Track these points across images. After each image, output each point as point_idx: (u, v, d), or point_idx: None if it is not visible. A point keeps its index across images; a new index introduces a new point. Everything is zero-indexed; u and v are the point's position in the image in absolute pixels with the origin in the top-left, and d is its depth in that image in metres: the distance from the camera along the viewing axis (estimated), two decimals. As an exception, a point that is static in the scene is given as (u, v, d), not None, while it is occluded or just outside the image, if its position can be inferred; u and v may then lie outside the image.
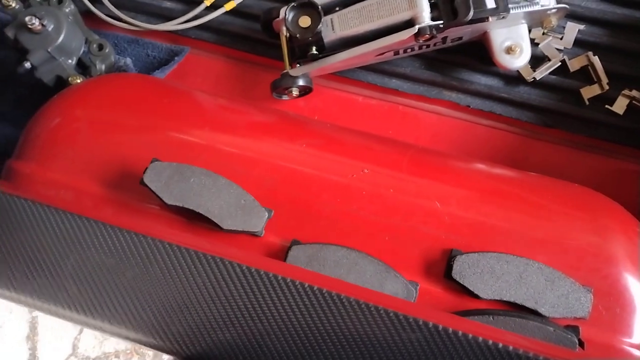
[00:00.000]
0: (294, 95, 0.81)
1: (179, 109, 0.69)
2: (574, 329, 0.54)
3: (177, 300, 0.42)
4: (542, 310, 0.55)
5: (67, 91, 0.74)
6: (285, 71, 0.78)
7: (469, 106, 0.80)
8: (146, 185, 0.59)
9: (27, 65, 0.79)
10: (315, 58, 0.77)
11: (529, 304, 0.55)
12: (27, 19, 0.75)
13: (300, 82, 0.77)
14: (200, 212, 0.59)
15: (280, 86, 0.78)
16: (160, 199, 0.59)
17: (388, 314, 0.40)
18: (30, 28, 0.77)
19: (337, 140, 0.69)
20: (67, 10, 0.81)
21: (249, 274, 0.42)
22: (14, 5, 0.80)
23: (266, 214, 0.60)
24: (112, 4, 0.88)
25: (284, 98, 0.82)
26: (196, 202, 0.59)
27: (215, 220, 0.59)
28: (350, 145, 0.69)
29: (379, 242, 0.60)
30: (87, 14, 0.87)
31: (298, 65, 0.78)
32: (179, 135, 0.66)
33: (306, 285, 0.41)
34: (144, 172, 0.59)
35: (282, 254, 0.59)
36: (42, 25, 0.77)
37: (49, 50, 0.78)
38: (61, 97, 0.72)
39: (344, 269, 0.57)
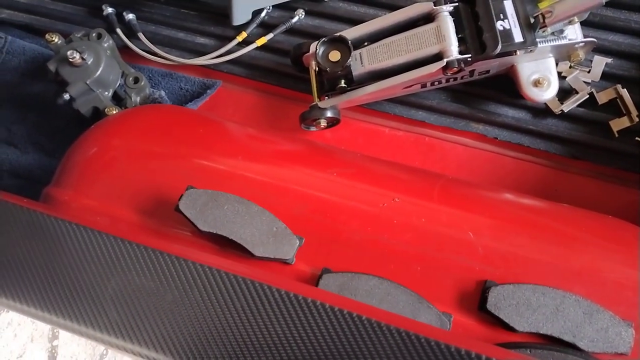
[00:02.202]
0: (322, 126, 0.82)
1: (213, 138, 0.71)
2: (617, 365, 0.53)
3: (216, 325, 0.42)
4: (580, 345, 0.54)
5: (104, 122, 0.76)
6: (314, 103, 0.80)
7: (497, 138, 0.80)
8: (181, 212, 0.60)
9: (66, 96, 0.82)
10: (343, 91, 0.78)
11: (567, 338, 0.54)
12: (69, 52, 0.79)
13: (329, 114, 0.79)
14: (233, 238, 0.59)
15: (309, 117, 0.80)
16: (195, 226, 0.59)
17: (429, 343, 0.39)
18: (71, 61, 0.80)
19: (367, 170, 0.70)
20: (105, 45, 0.85)
21: (287, 298, 0.42)
22: (56, 40, 0.84)
23: (297, 241, 0.60)
24: (148, 40, 0.92)
25: (311, 129, 0.84)
26: (229, 228, 0.59)
27: (248, 247, 0.59)
28: (380, 174, 0.69)
29: (411, 272, 0.60)
30: (124, 49, 0.91)
31: (326, 97, 0.80)
32: (212, 164, 0.67)
33: (345, 312, 0.41)
34: (179, 199, 0.60)
35: (312, 282, 0.59)
36: (83, 58, 0.81)
37: (87, 82, 0.82)
38: (98, 127, 0.74)
39: (375, 299, 0.57)
